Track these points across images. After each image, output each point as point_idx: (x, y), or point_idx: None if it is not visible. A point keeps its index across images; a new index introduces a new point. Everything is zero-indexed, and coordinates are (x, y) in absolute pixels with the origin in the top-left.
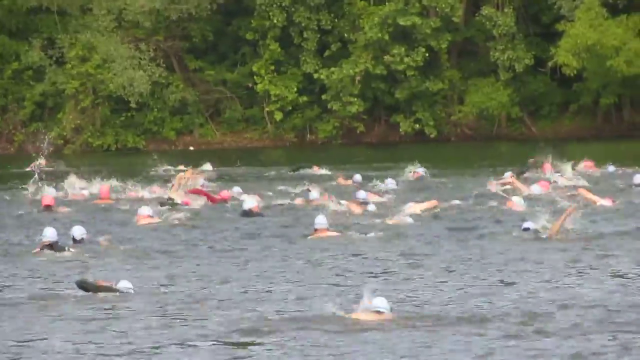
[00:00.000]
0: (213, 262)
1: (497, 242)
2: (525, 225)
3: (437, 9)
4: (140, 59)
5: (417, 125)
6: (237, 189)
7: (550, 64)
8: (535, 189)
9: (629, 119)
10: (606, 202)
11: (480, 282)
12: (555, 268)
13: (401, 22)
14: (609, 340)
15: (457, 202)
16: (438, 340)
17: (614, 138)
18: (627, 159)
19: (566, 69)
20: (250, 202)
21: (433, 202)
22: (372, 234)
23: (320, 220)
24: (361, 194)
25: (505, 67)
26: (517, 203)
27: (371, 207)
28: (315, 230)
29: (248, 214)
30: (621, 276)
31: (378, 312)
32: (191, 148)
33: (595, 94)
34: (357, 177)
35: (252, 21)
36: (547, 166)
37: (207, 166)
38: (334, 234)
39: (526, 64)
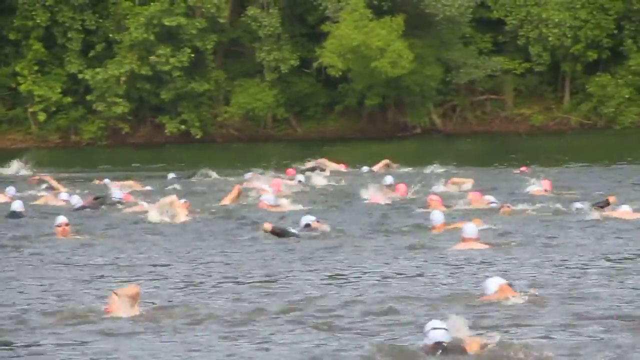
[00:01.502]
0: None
1: None
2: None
3: (203, 10)
4: None
5: (183, 126)
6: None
7: (315, 64)
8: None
9: (392, 120)
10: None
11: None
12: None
13: (167, 22)
14: None
15: None
16: None
17: (378, 138)
18: (390, 159)
19: (331, 70)
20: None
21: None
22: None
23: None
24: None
25: (270, 67)
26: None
27: None
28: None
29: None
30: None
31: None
32: None
33: (360, 95)
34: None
35: (14, 21)
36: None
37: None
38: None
39: (292, 65)
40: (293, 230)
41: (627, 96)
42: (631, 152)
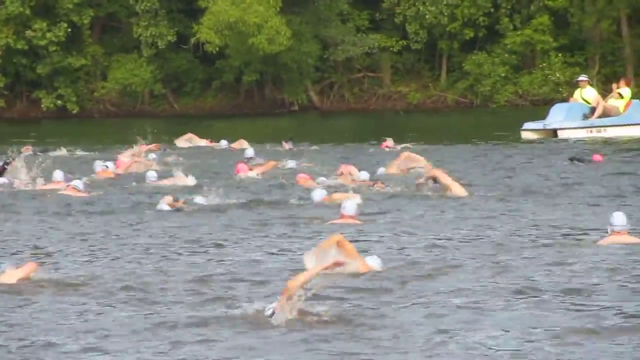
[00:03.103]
0: None
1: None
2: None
3: None
4: None
5: (60, 102)
6: None
7: (192, 40)
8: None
9: (270, 96)
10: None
11: None
12: None
13: None
14: None
15: None
16: None
17: (256, 115)
18: (267, 135)
19: (208, 46)
20: None
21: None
22: None
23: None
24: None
25: (148, 43)
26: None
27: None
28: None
29: None
30: None
31: None
32: None
33: (238, 72)
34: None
35: None
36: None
37: None
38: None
39: (169, 41)
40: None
41: (502, 75)
42: (502, 130)
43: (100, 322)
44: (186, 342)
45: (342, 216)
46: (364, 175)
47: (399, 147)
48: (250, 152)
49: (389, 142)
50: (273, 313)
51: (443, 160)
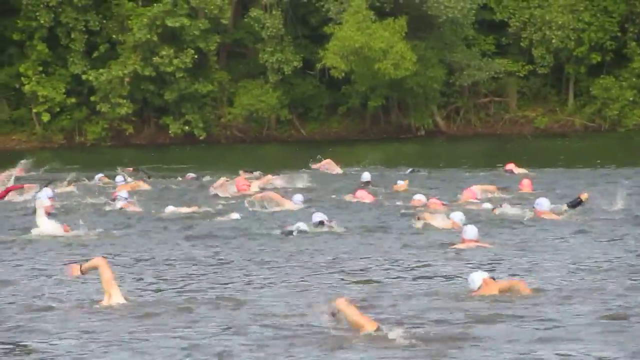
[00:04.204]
0: None
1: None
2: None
3: (206, 11)
4: None
5: (187, 127)
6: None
7: (318, 66)
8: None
9: (396, 121)
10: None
11: None
12: None
13: (170, 23)
14: None
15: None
16: None
17: (382, 140)
18: (392, 160)
19: (334, 71)
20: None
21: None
22: None
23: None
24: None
25: (274, 69)
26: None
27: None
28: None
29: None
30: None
31: None
32: None
33: (363, 97)
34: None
35: (18, 21)
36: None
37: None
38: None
39: (295, 66)
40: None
41: (630, 98)
42: (632, 155)
43: None
44: None
45: (464, 240)
46: (486, 204)
47: (520, 171)
48: (366, 176)
49: (511, 166)
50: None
51: (571, 186)
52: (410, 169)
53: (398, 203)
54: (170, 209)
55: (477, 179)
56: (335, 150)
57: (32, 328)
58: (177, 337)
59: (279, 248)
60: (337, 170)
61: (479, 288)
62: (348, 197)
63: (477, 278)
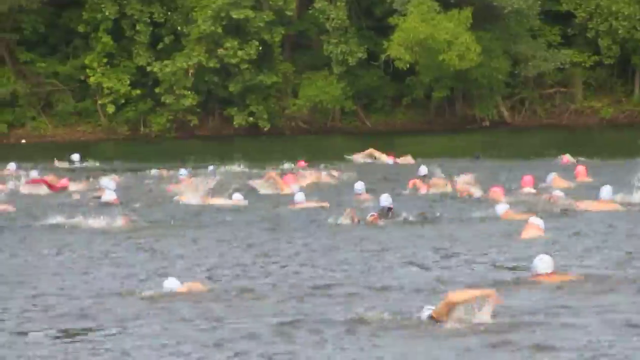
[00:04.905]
0: None
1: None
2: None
3: (270, 2)
4: None
5: (251, 119)
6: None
7: (383, 57)
8: None
9: (460, 112)
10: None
11: None
12: None
13: (234, 15)
14: None
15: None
16: None
17: (446, 131)
18: (457, 151)
19: (398, 62)
20: (110, 194)
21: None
22: None
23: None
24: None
25: (338, 60)
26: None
27: None
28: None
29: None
30: None
31: None
32: (23, 141)
33: (428, 88)
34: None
35: (83, 13)
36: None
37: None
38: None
39: (359, 58)
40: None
41: None
42: None
43: None
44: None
45: (529, 225)
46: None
47: (575, 160)
48: (423, 169)
49: (567, 157)
50: (429, 316)
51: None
52: (476, 155)
53: (453, 194)
54: (237, 196)
55: (537, 169)
56: (400, 142)
57: (102, 313)
58: (263, 322)
59: (346, 236)
60: (387, 160)
61: (542, 273)
62: (409, 186)
63: (544, 262)
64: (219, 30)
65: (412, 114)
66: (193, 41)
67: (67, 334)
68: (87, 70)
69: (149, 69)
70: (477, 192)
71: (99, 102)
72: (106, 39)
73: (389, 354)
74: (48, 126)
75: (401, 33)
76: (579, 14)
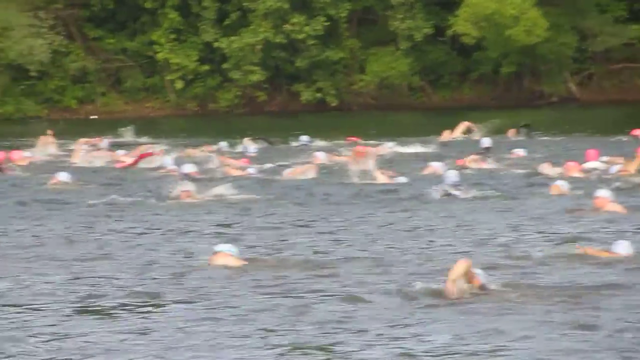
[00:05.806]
0: None
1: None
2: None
3: None
4: (40, 27)
5: (319, 94)
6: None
7: (449, 33)
8: None
9: (528, 88)
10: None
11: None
12: None
13: None
14: None
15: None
16: None
17: (515, 106)
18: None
19: (465, 38)
20: (189, 166)
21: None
22: None
23: None
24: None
25: (404, 36)
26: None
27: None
28: None
29: (187, 177)
30: None
31: None
32: (93, 117)
33: (495, 63)
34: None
35: None
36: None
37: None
38: None
39: (425, 33)
40: None
41: None
42: None
43: None
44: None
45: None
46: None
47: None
48: (487, 141)
49: (637, 131)
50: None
51: None
52: (522, 124)
53: (519, 171)
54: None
55: (605, 146)
56: (468, 116)
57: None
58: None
59: (415, 214)
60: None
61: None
62: (459, 162)
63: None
64: (286, 6)
65: (480, 89)
66: (259, 17)
67: (136, 307)
68: (155, 46)
69: (215, 45)
70: (550, 171)
71: (167, 78)
72: (173, 15)
73: (441, 328)
74: (117, 102)
75: (467, 9)
76: None
